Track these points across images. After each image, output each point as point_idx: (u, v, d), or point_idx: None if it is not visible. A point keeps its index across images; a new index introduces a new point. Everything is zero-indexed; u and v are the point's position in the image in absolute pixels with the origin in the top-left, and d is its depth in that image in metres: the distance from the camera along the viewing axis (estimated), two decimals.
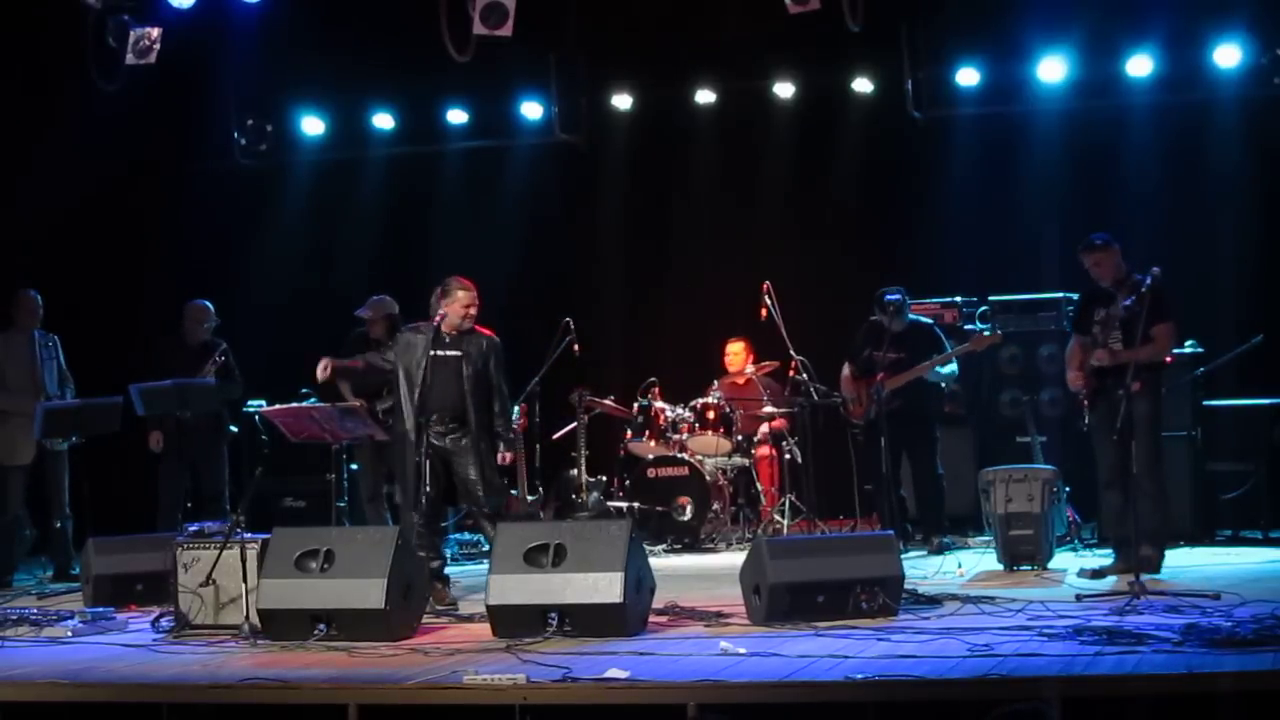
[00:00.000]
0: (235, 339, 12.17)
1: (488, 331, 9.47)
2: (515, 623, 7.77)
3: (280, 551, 8.12)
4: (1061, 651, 6.74)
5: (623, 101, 14.00)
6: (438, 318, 9.26)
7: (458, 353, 9.28)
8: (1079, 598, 8.34)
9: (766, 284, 11.39)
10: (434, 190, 14.55)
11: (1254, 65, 12.24)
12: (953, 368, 11.46)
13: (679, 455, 11.99)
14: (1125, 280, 9.28)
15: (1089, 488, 10.76)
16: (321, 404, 10.51)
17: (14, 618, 8.69)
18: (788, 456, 11.90)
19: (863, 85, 13.35)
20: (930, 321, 11.68)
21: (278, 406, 10.50)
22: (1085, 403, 9.44)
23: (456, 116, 14.24)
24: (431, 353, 9.20)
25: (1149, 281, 8.94)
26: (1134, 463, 8.83)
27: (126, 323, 13.29)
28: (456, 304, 9.29)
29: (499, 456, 9.50)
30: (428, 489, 9.10)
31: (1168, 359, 9.51)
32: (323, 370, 9.63)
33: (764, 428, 12.32)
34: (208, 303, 11.70)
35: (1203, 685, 6.03)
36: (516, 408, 11.10)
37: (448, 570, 9.64)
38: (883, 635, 7.38)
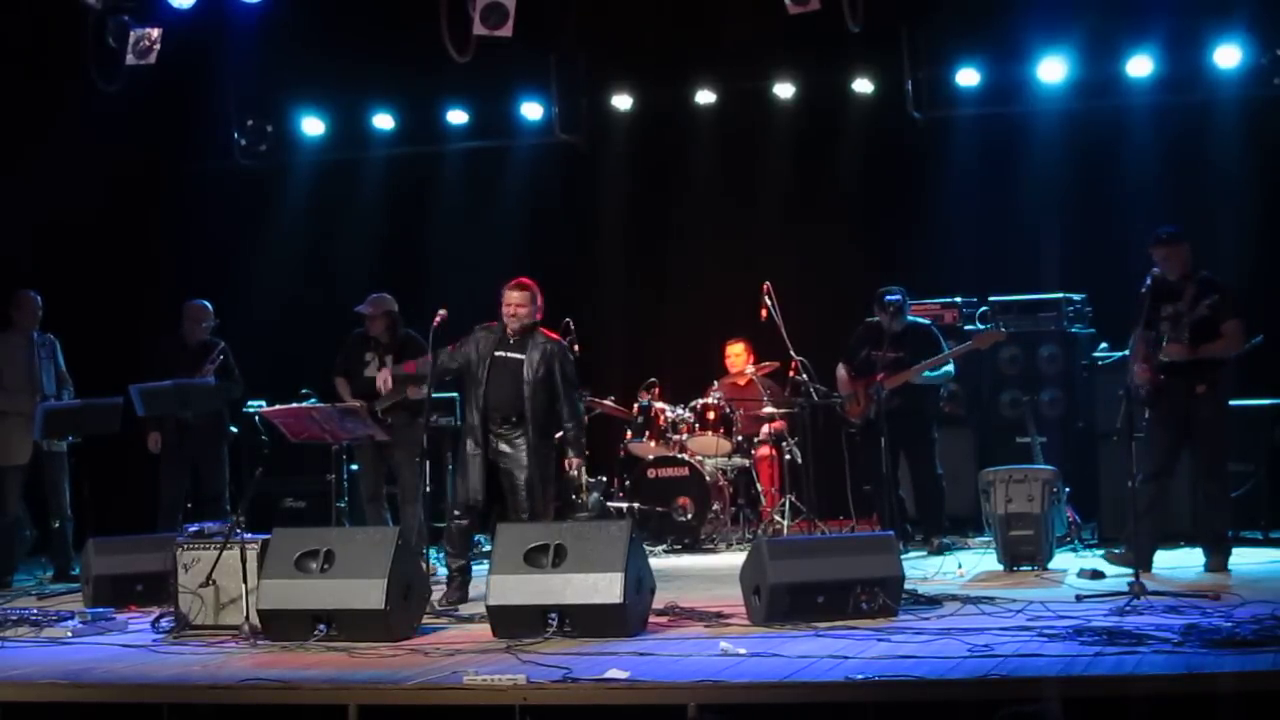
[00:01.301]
0: (235, 339, 12.16)
1: (553, 335, 9.51)
2: (515, 623, 7.78)
3: (280, 552, 8.12)
4: (1061, 652, 6.75)
5: (623, 101, 14.00)
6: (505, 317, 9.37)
7: (520, 355, 9.33)
8: (1079, 598, 8.35)
9: (766, 284, 11.37)
10: (434, 190, 14.55)
11: (1254, 65, 12.24)
12: (949, 368, 11.47)
13: (679, 456, 11.99)
14: (1192, 275, 9.29)
15: (1089, 488, 10.79)
16: (321, 404, 10.52)
17: (14, 618, 8.70)
18: (788, 457, 11.89)
19: (863, 85, 13.34)
20: (928, 322, 11.68)
21: (278, 407, 10.51)
22: (1147, 396, 9.46)
23: (456, 117, 14.24)
24: (495, 353, 9.29)
25: (1148, 281, 8.95)
26: (1133, 464, 8.83)
27: (126, 323, 13.28)
28: (505, 304, 9.38)
29: (566, 462, 9.57)
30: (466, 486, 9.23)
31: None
32: (383, 383, 9.90)
33: (764, 428, 12.32)
34: (206, 302, 11.70)
35: (1203, 685, 6.04)
36: None
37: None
38: (883, 636, 7.38)
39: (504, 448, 9.32)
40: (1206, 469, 9.45)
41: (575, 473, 9.85)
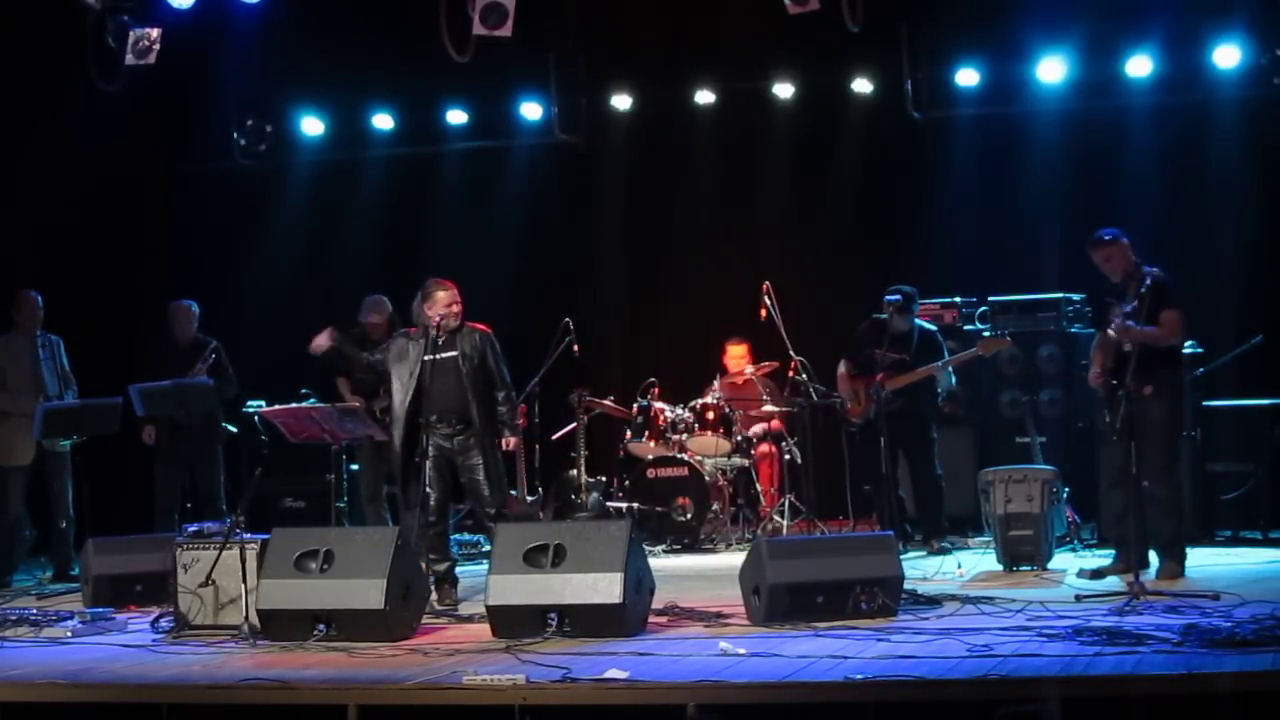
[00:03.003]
0: (235, 339, 12.18)
1: (480, 326, 9.48)
2: (515, 623, 7.77)
3: (280, 552, 8.12)
4: (1061, 652, 6.75)
5: (622, 101, 13.99)
6: (434, 321, 9.25)
7: (454, 352, 9.29)
8: (1078, 598, 8.35)
9: (766, 284, 11.38)
10: (434, 190, 14.54)
11: (1254, 65, 12.24)
12: (950, 376, 11.46)
13: (678, 456, 11.98)
14: (1135, 274, 9.24)
15: (1089, 488, 10.78)
16: (321, 404, 10.52)
17: (14, 618, 8.69)
18: (787, 457, 11.89)
19: (863, 85, 13.34)
20: (933, 327, 11.65)
21: (277, 407, 10.50)
22: (1103, 400, 9.44)
23: (456, 117, 14.23)
24: (427, 357, 9.21)
25: (1148, 283, 8.94)
26: (1133, 464, 8.82)
27: (126, 323, 13.29)
28: (438, 305, 9.30)
29: (503, 443, 9.49)
30: (431, 491, 9.15)
31: (1174, 345, 9.48)
32: (329, 337, 9.64)
33: (763, 428, 12.32)
34: (191, 302, 11.71)
35: (1202, 686, 6.04)
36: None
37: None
38: (882, 636, 7.38)
39: (457, 448, 9.28)
40: (1154, 472, 9.13)
41: (513, 450, 9.74)
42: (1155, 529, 9.21)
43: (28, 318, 11.48)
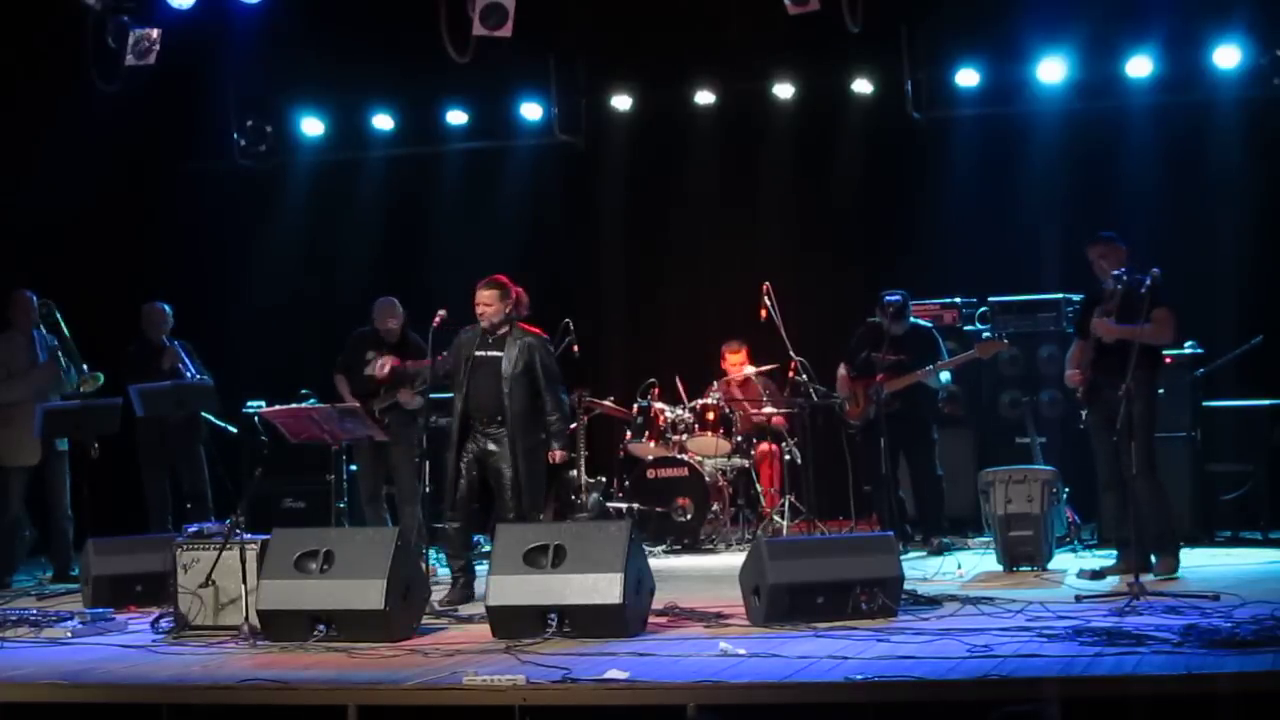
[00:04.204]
0: (235, 339, 12.17)
1: (534, 330, 9.48)
2: (515, 623, 7.78)
3: (280, 552, 8.12)
4: (1061, 652, 6.75)
5: (622, 102, 13.99)
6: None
7: (498, 353, 9.30)
8: (1078, 599, 8.35)
9: (766, 285, 11.38)
10: (434, 191, 14.55)
11: (1254, 65, 12.24)
12: (947, 375, 11.47)
13: (678, 456, 11.98)
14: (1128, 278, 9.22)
15: (1089, 488, 10.78)
16: (321, 405, 10.53)
17: (14, 618, 8.69)
18: (787, 457, 11.89)
19: (863, 86, 13.34)
20: (930, 325, 11.66)
21: (277, 407, 10.51)
22: (1081, 399, 9.46)
23: (456, 117, 14.23)
24: (475, 353, 9.28)
25: (1148, 282, 8.93)
26: (1133, 464, 8.82)
27: (125, 323, 13.27)
28: (475, 304, 9.34)
29: (550, 455, 9.48)
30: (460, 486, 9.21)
31: (1166, 351, 9.46)
32: (380, 369, 10.11)
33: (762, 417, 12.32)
34: (165, 304, 11.71)
35: (1202, 686, 6.04)
36: None
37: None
38: (882, 636, 7.38)
39: (491, 446, 9.29)
40: (1138, 469, 9.07)
41: (559, 464, 9.80)
42: (1148, 527, 9.19)
43: (23, 317, 11.47)
